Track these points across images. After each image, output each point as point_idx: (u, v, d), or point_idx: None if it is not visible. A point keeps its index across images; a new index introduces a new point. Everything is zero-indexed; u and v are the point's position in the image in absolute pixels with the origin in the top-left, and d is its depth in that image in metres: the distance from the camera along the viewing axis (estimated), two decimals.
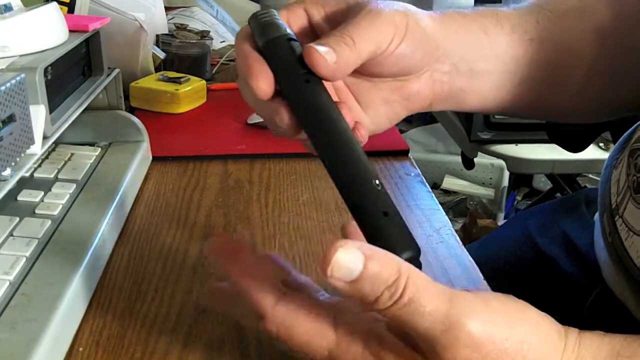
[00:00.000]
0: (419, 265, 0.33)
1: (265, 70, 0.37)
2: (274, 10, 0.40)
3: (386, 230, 0.33)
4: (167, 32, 1.07)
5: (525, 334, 0.31)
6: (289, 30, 0.39)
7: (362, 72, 0.43)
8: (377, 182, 0.34)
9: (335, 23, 0.41)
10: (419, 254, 0.33)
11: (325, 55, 0.37)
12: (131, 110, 0.83)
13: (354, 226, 0.36)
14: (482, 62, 0.47)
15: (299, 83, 0.37)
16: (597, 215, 0.54)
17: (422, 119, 2.47)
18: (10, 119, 0.42)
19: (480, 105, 0.50)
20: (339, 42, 0.38)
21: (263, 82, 0.37)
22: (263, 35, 0.39)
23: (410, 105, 0.46)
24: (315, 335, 0.33)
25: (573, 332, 0.33)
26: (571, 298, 0.53)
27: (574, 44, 0.50)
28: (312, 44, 0.37)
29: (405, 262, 0.30)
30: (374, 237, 0.33)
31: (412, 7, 0.43)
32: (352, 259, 0.29)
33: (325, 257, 0.29)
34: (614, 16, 0.50)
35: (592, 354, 0.32)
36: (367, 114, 0.45)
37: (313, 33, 0.43)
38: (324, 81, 0.38)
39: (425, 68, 0.45)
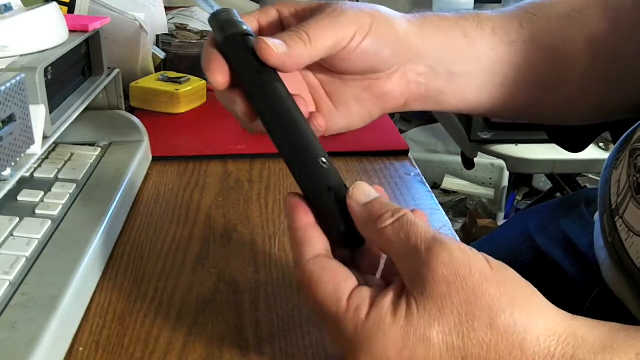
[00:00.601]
0: (350, 242, 0.36)
1: (221, 64, 0.40)
2: (233, 10, 0.43)
3: (326, 204, 0.37)
4: (167, 32, 1.07)
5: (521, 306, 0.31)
6: (245, 27, 0.42)
7: (329, 67, 0.45)
8: (324, 160, 0.37)
9: (303, 20, 0.43)
10: (354, 230, 0.36)
11: (274, 47, 0.39)
12: (131, 110, 0.82)
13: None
14: (461, 64, 0.48)
15: (252, 73, 0.40)
16: (597, 216, 0.54)
17: (421, 118, 2.47)
18: (10, 119, 0.42)
19: (462, 106, 0.50)
20: (293, 36, 0.41)
21: (218, 75, 0.40)
22: (221, 32, 0.42)
23: (382, 104, 0.48)
24: (331, 300, 0.34)
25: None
26: (571, 298, 0.52)
27: (561, 46, 0.50)
28: (263, 37, 0.40)
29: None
30: (318, 211, 0.36)
31: (384, 9, 0.45)
32: (370, 189, 0.36)
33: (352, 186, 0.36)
34: (608, 24, 0.50)
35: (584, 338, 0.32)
36: (338, 111, 0.47)
37: (282, 28, 0.45)
38: (280, 73, 0.41)
39: (395, 67, 0.46)
